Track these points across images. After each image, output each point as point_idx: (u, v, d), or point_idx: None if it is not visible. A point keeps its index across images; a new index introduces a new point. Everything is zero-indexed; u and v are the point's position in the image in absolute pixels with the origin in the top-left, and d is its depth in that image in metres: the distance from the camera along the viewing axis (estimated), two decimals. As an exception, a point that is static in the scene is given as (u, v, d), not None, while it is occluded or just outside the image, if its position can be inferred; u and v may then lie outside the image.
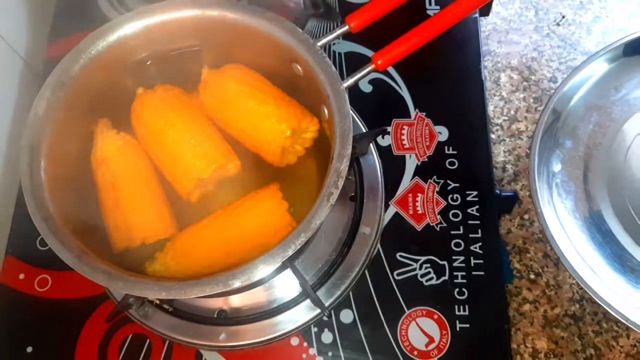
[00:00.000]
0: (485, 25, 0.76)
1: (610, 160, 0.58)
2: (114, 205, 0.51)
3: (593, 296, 0.51)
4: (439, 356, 0.54)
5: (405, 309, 0.56)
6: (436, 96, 0.65)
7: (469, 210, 0.60)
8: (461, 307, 0.56)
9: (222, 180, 0.53)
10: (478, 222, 0.59)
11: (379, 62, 0.50)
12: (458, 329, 0.55)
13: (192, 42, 0.55)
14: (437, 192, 0.61)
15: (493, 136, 0.70)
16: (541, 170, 0.57)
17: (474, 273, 0.57)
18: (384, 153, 0.63)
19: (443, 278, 0.57)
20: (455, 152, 0.62)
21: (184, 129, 0.52)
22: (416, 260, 0.58)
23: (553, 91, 0.59)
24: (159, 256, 0.50)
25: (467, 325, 0.55)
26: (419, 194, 0.61)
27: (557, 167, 0.58)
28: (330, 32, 0.51)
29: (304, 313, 0.55)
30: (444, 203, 0.60)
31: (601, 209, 0.57)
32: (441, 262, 0.58)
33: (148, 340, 0.57)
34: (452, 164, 0.62)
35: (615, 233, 0.56)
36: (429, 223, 0.60)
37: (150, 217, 0.51)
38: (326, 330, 0.56)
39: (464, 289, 0.57)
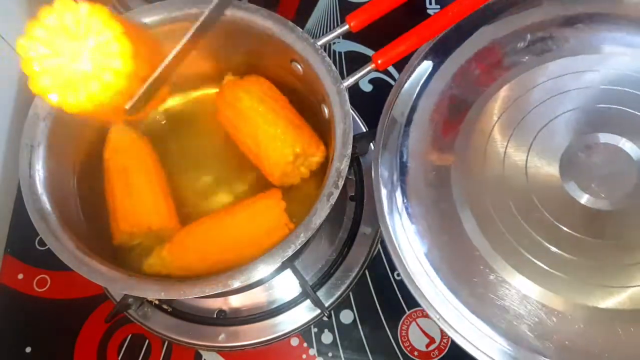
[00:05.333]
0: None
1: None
2: (124, 189, 0.51)
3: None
4: (439, 357, 0.54)
5: (406, 309, 0.56)
6: (437, 96, 0.65)
7: (469, 210, 0.59)
8: (462, 307, 0.56)
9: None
10: (479, 222, 0.59)
11: (379, 61, 0.50)
12: (458, 330, 0.55)
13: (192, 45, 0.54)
14: (438, 192, 0.61)
15: (494, 136, 0.70)
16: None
17: (474, 273, 0.57)
18: (385, 153, 0.62)
19: (443, 278, 0.57)
20: (455, 152, 0.62)
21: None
22: (416, 261, 0.58)
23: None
24: (155, 250, 0.50)
25: (468, 326, 0.55)
26: (420, 194, 0.61)
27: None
28: (330, 32, 0.51)
29: (304, 313, 0.55)
30: (444, 203, 0.60)
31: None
32: (442, 262, 0.58)
33: (147, 341, 0.56)
34: (452, 163, 0.62)
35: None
36: (429, 223, 0.59)
37: (158, 205, 0.52)
38: (326, 330, 0.56)
39: (464, 289, 0.56)
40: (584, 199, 0.48)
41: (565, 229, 0.48)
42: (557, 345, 0.45)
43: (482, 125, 0.52)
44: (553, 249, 0.47)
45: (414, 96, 0.54)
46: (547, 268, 0.47)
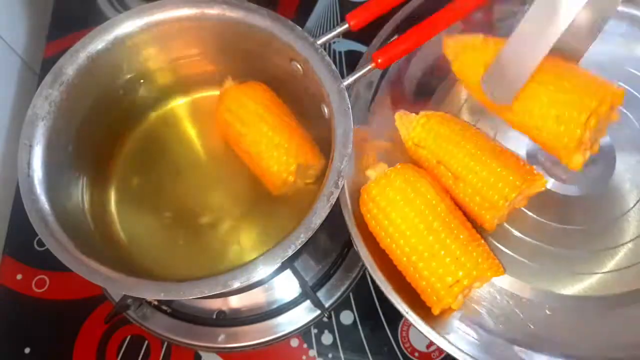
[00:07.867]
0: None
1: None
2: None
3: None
4: (440, 357, 0.54)
5: (406, 309, 0.56)
6: (437, 95, 0.65)
7: (470, 210, 0.59)
8: (462, 308, 0.56)
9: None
10: (479, 222, 0.59)
11: (379, 60, 0.50)
12: (459, 330, 0.55)
13: (192, 45, 0.54)
14: (438, 192, 0.60)
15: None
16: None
17: (475, 273, 0.57)
18: (385, 153, 0.62)
19: (444, 279, 0.57)
20: (456, 152, 0.62)
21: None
22: (417, 261, 0.58)
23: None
24: None
25: (469, 326, 0.55)
26: (420, 194, 0.60)
27: None
28: (330, 30, 0.51)
29: (303, 314, 0.55)
30: (445, 203, 0.60)
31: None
32: (442, 263, 0.57)
33: (146, 342, 0.56)
34: (453, 163, 0.62)
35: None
36: (429, 223, 0.59)
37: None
38: (326, 331, 0.56)
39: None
40: (550, 183, 0.48)
41: (531, 214, 0.47)
42: (523, 332, 0.44)
43: (448, 109, 0.52)
44: (519, 234, 0.47)
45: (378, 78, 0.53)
46: (513, 254, 0.46)
